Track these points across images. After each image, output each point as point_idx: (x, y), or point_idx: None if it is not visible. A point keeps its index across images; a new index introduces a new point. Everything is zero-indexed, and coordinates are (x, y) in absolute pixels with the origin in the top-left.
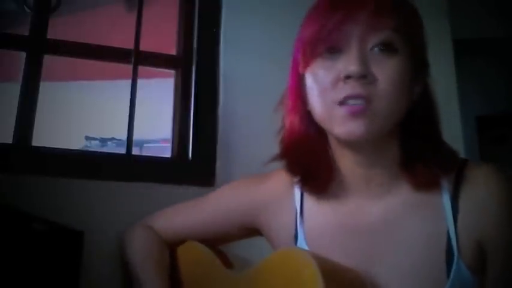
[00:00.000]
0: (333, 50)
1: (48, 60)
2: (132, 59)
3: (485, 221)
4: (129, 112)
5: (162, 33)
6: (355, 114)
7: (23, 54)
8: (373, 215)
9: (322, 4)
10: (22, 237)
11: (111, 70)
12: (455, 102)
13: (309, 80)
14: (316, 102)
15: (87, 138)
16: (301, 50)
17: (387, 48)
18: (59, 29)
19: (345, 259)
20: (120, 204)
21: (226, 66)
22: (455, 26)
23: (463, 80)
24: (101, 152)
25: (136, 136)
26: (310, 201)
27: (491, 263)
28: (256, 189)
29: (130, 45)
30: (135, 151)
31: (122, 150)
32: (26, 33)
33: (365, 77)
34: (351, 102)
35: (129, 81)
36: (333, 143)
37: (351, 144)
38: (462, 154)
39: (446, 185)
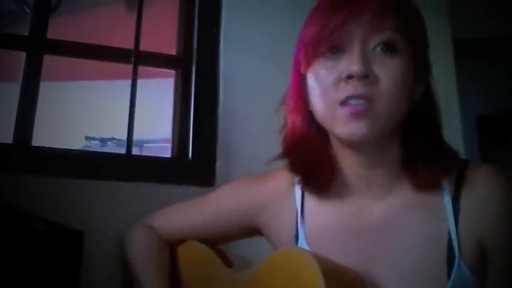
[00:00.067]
0: (335, 50)
1: (48, 60)
2: (132, 59)
3: (485, 221)
4: (129, 112)
5: (162, 33)
6: (357, 115)
7: (23, 54)
8: (374, 215)
9: (324, 4)
10: (22, 237)
11: (111, 70)
12: (455, 102)
13: (311, 80)
14: (318, 102)
15: (87, 138)
16: (303, 50)
17: (389, 48)
18: (59, 29)
19: (345, 259)
20: (120, 204)
21: (226, 66)
22: (455, 26)
23: (463, 80)
24: (101, 152)
25: (136, 136)
26: (311, 201)
27: (491, 263)
28: (257, 189)
29: (130, 45)
30: (135, 151)
31: (122, 150)
32: (26, 33)
33: (367, 77)
34: (353, 102)
35: (129, 81)
36: (335, 143)
37: (352, 144)
38: (462, 154)
39: (447, 185)
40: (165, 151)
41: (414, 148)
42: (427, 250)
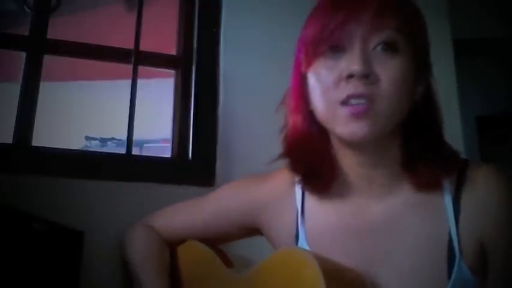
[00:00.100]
0: (336, 50)
1: (48, 60)
2: (132, 59)
3: (485, 221)
4: (129, 112)
5: (162, 33)
6: (357, 115)
7: (23, 54)
8: (375, 215)
9: (324, 4)
10: (22, 237)
11: (111, 70)
12: (455, 102)
13: (312, 80)
14: (319, 102)
15: (87, 138)
16: (304, 50)
17: (390, 47)
18: (59, 29)
19: (346, 259)
20: (120, 204)
21: (226, 66)
22: (455, 26)
23: (463, 80)
24: (101, 152)
25: (136, 136)
26: (311, 201)
27: (491, 263)
28: (257, 188)
29: (130, 45)
30: (135, 151)
31: (122, 150)
32: (26, 33)
33: (367, 76)
34: (354, 101)
35: (129, 81)
36: (335, 143)
37: (353, 144)
38: (462, 154)
39: (448, 185)
40: (165, 151)
41: (415, 148)
42: (427, 250)
